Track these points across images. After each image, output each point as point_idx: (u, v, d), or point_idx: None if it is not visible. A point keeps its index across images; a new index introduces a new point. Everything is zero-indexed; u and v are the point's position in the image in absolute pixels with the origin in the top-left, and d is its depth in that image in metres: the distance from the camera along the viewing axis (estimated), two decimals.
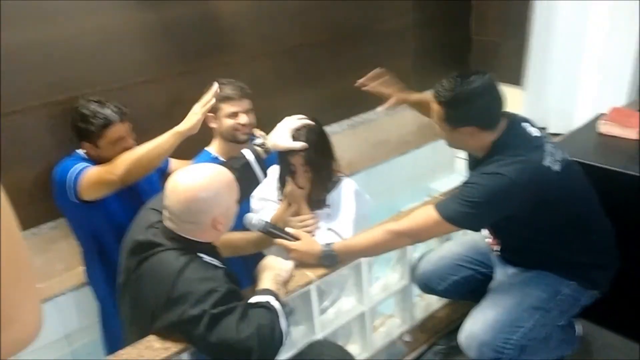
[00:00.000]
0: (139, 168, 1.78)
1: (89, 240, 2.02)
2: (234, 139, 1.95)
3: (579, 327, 1.97)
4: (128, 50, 2.17)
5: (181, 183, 1.36)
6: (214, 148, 2.03)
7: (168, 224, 1.40)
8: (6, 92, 1.87)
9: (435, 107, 1.60)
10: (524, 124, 1.64)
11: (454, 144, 1.69)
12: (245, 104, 1.95)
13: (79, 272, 2.28)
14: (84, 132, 1.87)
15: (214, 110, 1.90)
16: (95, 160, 1.91)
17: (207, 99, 1.82)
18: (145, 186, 2.04)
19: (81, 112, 1.86)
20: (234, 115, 1.93)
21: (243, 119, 1.94)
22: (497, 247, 1.85)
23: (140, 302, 1.41)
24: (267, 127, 1.83)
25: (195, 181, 1.36)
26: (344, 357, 1.61)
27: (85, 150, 1.94)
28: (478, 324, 1.70)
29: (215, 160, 1.97)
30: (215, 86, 1.87)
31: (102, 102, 1.88)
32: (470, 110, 1.54)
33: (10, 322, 0.51)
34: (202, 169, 1.42)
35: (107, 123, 1.84)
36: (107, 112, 1.85)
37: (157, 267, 1.36)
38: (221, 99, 1.92)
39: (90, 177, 1.81)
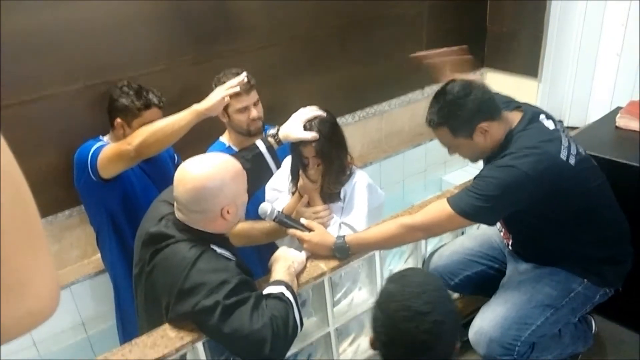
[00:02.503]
0: (154, 141, 1.78)
1: (105, 221, 2.04)
2: (248, 133, 1.94)
3: (594, 324, 1.96)
4: (141, 38, 2.16)
5: (188, 172, 1.37)
6: (227, 138, 2.03)
7: (178, 214, 1.41)
8: (18, 80, 1.88)
9: (438, 133, 1.61)
10: (541, 117, 1.62)
11: (476, 154, 1.66)
12: (253, 96, 1.92)
13: (94, 259, 2.32)
14: (123, 108, 1.92)
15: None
16: None
17: (232, 84, 1.79)
18: (162, 174, 2.05)
19: (125, 90, 1.93)
20: (244, 110, 1.90)
21: (254, 113, 1.91)
22: (509, 241, 1.84)
23: (154, 293, 1.43)
24: (278, 116, 1.82)
25: (201, 170, 1.36)
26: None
27: (112, 133, 1.98)
28: (487, 320, 1.69)
29: (228, 149, 1.97)
30: (243, 75, 1.83)
31: (142, 86, 1.97)
32: (470, 108, 1.54)
33: (24, 292, 0.47)
34: (209, 158, 1.43)
35: (148, 104, 1.93)
36: (151, 95, 1.95)
37: (170, 259, 1.37)
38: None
39: (107, 150, 1.85)
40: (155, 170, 2.09)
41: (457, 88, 1.56)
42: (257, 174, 1.66)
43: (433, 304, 1.07)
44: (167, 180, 1.80)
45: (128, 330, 2.10)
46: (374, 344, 1.15)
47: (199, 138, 1.97)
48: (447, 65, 1.93)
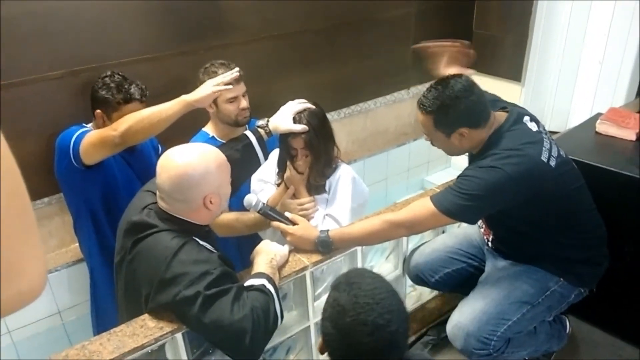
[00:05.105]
0: (141, 128, 1.75)
1: (83, 209, 2.01)
2: (235, 123, 1.94)
3: (569, 324, 2.00)
4: (128, 27, 2.14)
5: (172, 160, 1.36)
6: (211, 129, 2.02)
7: (161, 203, 1.40)
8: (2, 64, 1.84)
9: (423, 118, 1.62)
10: (525, 118, 1.65)
11: (449, 151, 1.69)
12: (242, 86, 1.93)
13: (72, 248, 2.28)
14: (103, 101, 1.88)
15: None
16: None
17: (224, 79, 1.77)
18: (145, 165, 2.03)
19: (107, 82, 1.89)
20: (233, 99, 1.91)
21: (243, 103, 1.92)
22: (489, 237, 1.87)
23: (135, 283, 1.41)
24: (265, 111, 1.82)
25: (185, 158, 1.35)
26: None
27: (94, 122, 1.95)
28: (465, 314, 1.72)
29: (212, 140, 1.96)
30: (235, 70, 1.82)
31: (127, 78, 1.92)
32: (460, 111, 1.55)
33: (16, 274, 0.50)
34: (192, 147, 1.42)
35: (128, 98, 1.88)
36: (132, 88, 1.90)
37: (152, 248, 1.36)
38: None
39: (91, 136, 1.81)
40: (139, 161, 2.07)
41: (459, 86, 1.55)
42: (245, 164, 1.66)
43: (389, 314, 1.01)
44: (150, 171, 1.79)
45: (102, 320, 2.08)
46: (322, 350, 1.10)
47: (183, 129, 1.96)
48: (445, 56, 1.95)
